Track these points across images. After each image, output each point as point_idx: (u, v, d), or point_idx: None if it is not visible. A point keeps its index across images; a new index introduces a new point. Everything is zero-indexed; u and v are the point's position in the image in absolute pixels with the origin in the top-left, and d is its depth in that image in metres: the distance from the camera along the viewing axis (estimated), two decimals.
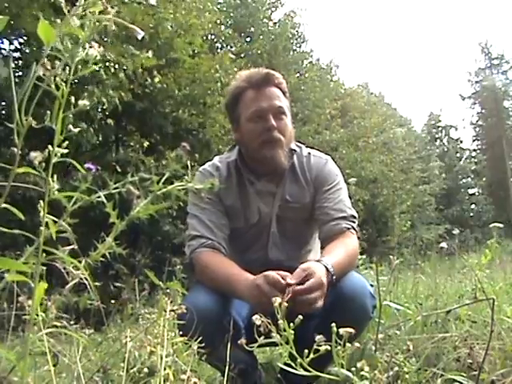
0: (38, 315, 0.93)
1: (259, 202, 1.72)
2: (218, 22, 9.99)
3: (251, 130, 1.66)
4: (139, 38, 0.78)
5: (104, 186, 0.80)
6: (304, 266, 1.35)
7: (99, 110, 7.00)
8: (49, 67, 0.71)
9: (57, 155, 0.75)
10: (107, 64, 6.17)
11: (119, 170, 7.28)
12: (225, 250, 1.62)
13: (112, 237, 0.78)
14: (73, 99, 0.75)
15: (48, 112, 0.73)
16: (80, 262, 0.80)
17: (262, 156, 1.66)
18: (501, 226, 2.24)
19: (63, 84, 0.73)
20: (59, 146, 0.75)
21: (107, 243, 0.78)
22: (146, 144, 7.75)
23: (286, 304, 0.89)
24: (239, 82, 1.71)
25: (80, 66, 0.74)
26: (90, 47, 0.73)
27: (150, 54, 6.56)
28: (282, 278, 1.31)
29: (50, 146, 0.75)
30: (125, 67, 6.18)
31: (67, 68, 0.73)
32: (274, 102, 1.66)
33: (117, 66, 6.25)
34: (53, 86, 0.72)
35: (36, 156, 0.73)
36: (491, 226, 2.26)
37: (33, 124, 0.72)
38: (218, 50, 11.73)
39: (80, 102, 0.75)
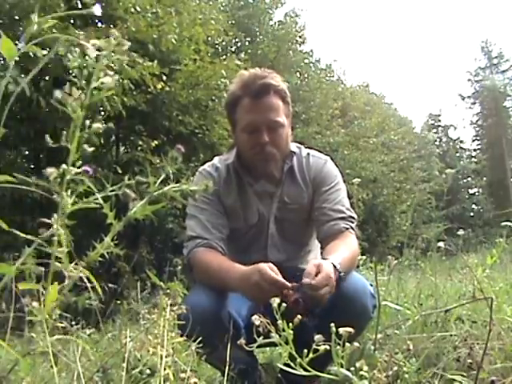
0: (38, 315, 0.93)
1: (258, 203, 1.73)
2: (222, 29, 10.00)
3: (245, 140, 1.67)
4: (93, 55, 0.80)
5: (104, 187, 0.81)
6: (315, 262, 1.37)
7: (101, 113, 7.04)
8: (68, 92, 0.78)
9: (71, 173, 0.79)
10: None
11: (120, 171, 7.30)
12: (222, 249, 1.62)
13: (110, 237, 0.79)
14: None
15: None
16: (80, 262, 0.80)
17: (255, 166, 1.69)
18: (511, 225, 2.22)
19: (79, 108, 0.78)
20: (73, 164, 0.80)
21: (105, 243, 0.78)
22: (154, 144, 7.77)
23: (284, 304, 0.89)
24: (237, 87, 1.67)
25: (94, 92, 0.79)
26: (106, 75, 0.77)
27: (154, 63, 6.61)
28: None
29: (64, 165, 0.79)
30: (128, 75, 6.23)
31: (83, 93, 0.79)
32: (269, 116, 1.63)
33: (121, 74, 6.29)
34: (69, 108, 0.77)
35: (51, 172, 0.78)
36: (503, 224, 2.22)
37: (50, 144, 0.79)
38: (220, 50, 11.72)
39: (94, 126, 0.79)
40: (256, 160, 1.67)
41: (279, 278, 1.36)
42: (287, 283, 1.34)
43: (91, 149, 0.80)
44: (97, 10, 0.81)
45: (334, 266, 1.39)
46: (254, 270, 1.39)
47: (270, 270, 1.37)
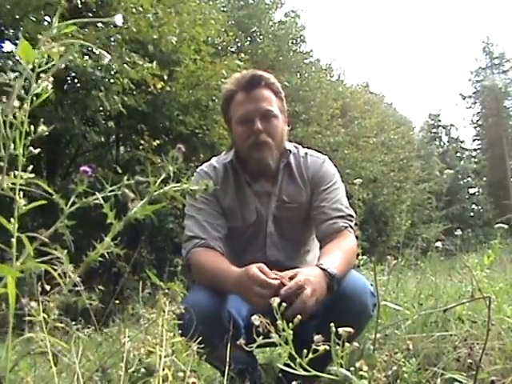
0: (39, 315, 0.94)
1: (256, 202, 1.73)
2: (223, 29, 10.03)
3: (240, 132, 1.69)
4: (106, 61, 0.82)
5: (103, 186, 0.81)
6: (294, 270, 1.37)
7: (102, 113, 7.05)
8: (4, 100, 0.78)
9: (22, 178, 0.81)
10: (111, 72, 6.30)
11: (120, 170, 7.30)
12: (220, 249, 1.63)
13: (110, 237, 0.79)
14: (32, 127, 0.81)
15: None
16: (79, 262, 0.80)
17: (251, 158, 1.69)
18: (505, 226, 2.22)
19: (23, 116, 0.79)
20: (24, 169, 0.82)
21: (105, 243, 0.78)
22: (155, 143, 7.78)
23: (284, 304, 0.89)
24: (230, 84, 1.73)
25: (34, 98, 0.80)
26: (44, 80, 0.78)
27: (154, 64, 6.61)
28: (266, 275, 1.35)
29: (15, 171, 0.82)
30: (129, 76, 6.25)
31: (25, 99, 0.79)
32: (261, 105, 1.66)
33: (120, 74, 6.32)
34: (10, 116, 0.78)
35: (4, 180, 0.80)
36: (496, 226, 2.23)
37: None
38: (220, 50, 11.72)
39: (39, 129, 0.81)
40: (252, 151, 1.68)
41: (269, 278, 1.34)
42: (274, 282, 1.33)
43: (37, 150, 0.81)
44: (118, 20, 0.81)
45: (325, 270, 1.39)
46: (243, 274, 1.39)
47: (259, 270, 1.37)
